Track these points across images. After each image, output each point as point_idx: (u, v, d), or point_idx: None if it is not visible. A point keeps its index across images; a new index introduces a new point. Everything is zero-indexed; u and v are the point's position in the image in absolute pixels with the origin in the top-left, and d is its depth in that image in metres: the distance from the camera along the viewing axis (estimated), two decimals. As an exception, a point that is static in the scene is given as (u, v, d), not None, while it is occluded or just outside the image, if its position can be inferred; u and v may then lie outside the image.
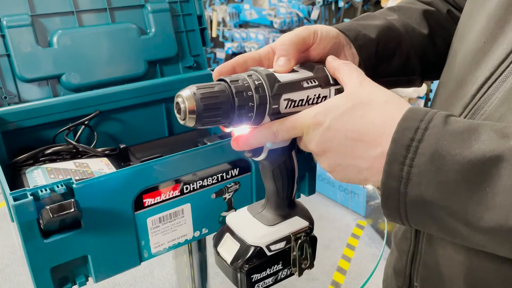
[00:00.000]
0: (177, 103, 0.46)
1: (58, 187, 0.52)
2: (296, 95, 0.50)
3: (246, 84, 0.48)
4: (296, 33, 0.54)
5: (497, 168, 0.36)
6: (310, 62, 0.55)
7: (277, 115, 0.50)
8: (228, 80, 0.47)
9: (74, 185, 0.52)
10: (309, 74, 0.52)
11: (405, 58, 0.64)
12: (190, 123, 0.46)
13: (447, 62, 0.59)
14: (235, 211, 0.64)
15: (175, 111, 0.47)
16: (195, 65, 0.99)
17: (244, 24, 3.31)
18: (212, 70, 0.99)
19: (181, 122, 0.47)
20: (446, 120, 0.40)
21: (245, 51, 3.15)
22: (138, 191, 0.58)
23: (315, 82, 0.52)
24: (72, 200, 0.50)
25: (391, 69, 0.64)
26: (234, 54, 3.27)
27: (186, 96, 0.45)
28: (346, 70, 0.50)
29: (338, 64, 0.51)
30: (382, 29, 0.62)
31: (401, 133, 0.40)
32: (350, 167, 0.45)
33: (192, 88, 0.46)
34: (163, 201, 0.61)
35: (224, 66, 0.53)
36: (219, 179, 0.65)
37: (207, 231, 0.67)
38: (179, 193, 0.62)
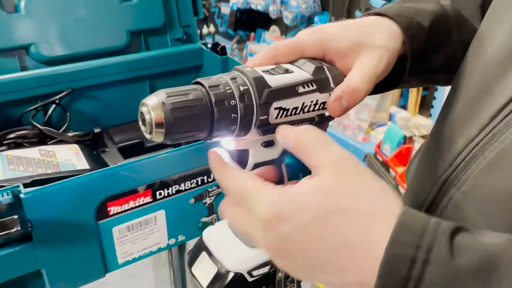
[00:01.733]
0: (141, 113, 0.37)
1: (3, 196, 0.44)
2: (289, 103, 0.41)
3: (228, 91, 0.38)
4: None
5: None
6: (309, 58, 0.46)
7: (265, 126, 0.41)
8: (206, 85, 0.38)
9: (21, 195, 0.44)
10: (306, 75, 0.43)
11: (451, 53, 0.51)
12: (158, 138, 0.37)
13: (465, 67, 0.49)
14: (217, 215, 0.56)
15: (140, 122, 0.38)
16: (184, 37, 0.88)
17: (250, -21, 3.13)
18: (204, 44, 0.90)
19: (147, 136, 0.38)
20: (451, 247, 0.28)
21: (250, 8, 2.98)
22: (101, 200, 0.50)
23: (312, 86, 0.43)
24: (15, 217, 0.42)
25: (433, 65, 0.51)
26: (239, 10, 3.10)
27: (153, 106, 0.36)
28: (315, 145, 0.36)
29: (298, 136, 0.37)
30: (436, 16, 0.49)
31: (391, 265, 0.28)
32: (318, 280, 0.34)
33: (160, 95, 0.37)
34: (131, 208, 0.53)
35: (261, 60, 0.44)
36: (199, 183, 0.57)
37: (184, 238, 0.60)
38: (151, 199, 0.54)
